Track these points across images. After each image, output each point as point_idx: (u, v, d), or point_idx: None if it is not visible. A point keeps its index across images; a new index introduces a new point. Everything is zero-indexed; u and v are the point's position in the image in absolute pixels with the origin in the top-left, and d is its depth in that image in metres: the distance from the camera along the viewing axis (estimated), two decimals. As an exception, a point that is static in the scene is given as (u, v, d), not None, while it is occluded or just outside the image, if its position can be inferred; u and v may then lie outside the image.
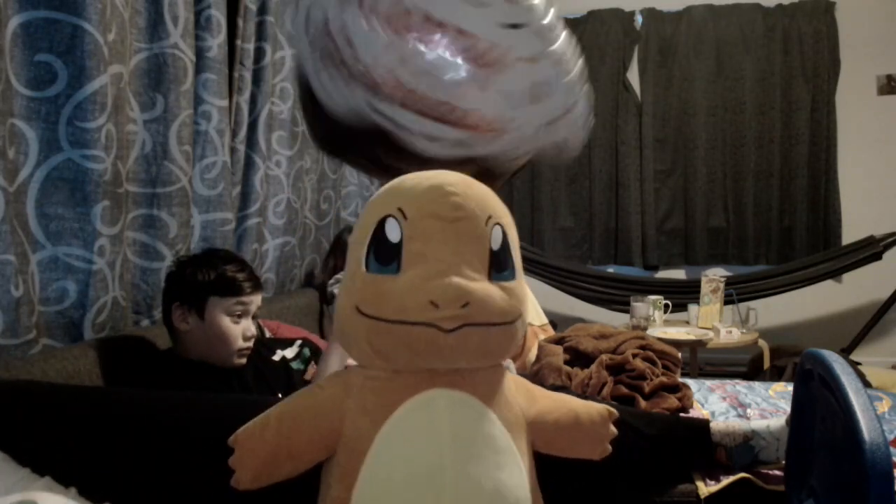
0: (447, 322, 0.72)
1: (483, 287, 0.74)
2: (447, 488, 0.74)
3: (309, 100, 1.14)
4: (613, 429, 0.89)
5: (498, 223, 0.78)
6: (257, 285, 1.39)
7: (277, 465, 0.79)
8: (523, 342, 2.00)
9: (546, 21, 1.08)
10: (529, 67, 1.07)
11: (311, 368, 1.50)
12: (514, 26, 1.05)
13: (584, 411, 0.88)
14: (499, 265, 0.77)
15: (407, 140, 1.05)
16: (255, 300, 1.38)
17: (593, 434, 0.88)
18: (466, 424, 0.77)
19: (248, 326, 1.35)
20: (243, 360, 1.36)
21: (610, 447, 0.90)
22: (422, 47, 1.01)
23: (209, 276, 1.33)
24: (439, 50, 1.01)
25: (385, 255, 0.75)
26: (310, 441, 0.79)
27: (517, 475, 0.79)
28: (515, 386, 0.87)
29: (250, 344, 1.37)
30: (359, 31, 1.01)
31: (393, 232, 0.75)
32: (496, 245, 0.77)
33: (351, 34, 1.01)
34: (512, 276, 0.78)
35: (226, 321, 1.32)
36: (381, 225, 0.76)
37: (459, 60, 1.02)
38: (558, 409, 0.87)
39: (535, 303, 2.12)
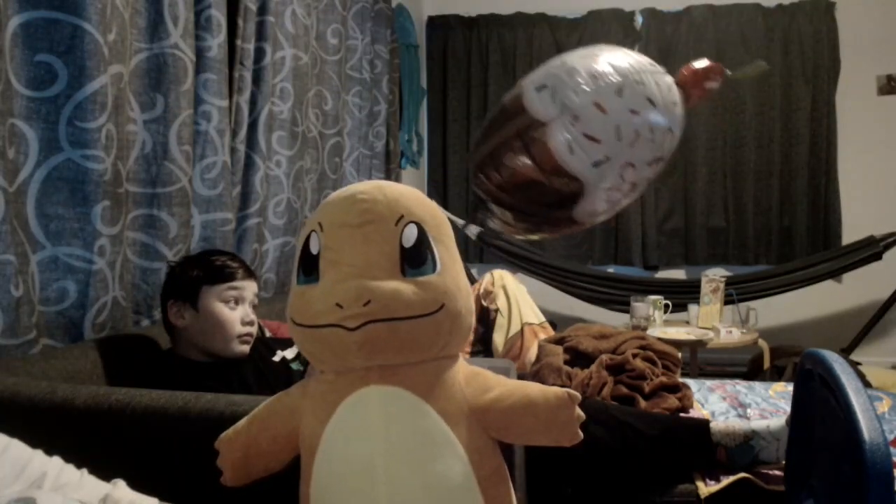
0: (349, 321, 0.77)
1: (389, 285, 0.79)
2: (380, 482, 0.78)
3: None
4: (580, 413, 0.86)
5: (412, 222, 0.82)
6: (249, 273, 1.41)
7: (251, 465, 0.88)
8: (521, 343, 2.00)
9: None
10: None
11: (311, 369, 1.50)
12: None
13: (539, 396, 0.86)
14: (413, 261, 0.81)
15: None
16: (248, 286, 1.39)
17: (552, 418, 0.85)
18: (399, 419, 0.81)
19: (245, 312, 1.36)
20: (245, 348, 1.37)
21: (580, 433, 0.86)
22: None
23: (199, 268, 1.36)
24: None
25: (308, 267, 0.82)
26: (273, 442, 0.87)
27: (455, 465, 0.81)
28: (466, 377, 0.87)
29: (250, 329, 1.37)
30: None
31: (314, 245, 0.82)
32: (408, 243, 0.81)
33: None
34: (431, 270, 0.82)
35: (220, 307, 1.33)
36: (307, 240, 0.83)
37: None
38: (511, 396, 0.86)
39: (530, 302, 2.13)
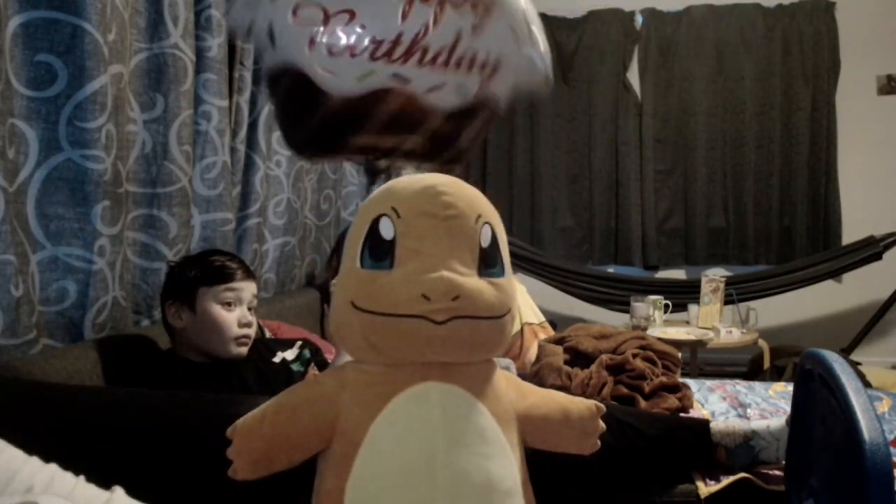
0: (438, 314, 0.75)
1: (473, 282, 0.78)
2: (440, 478, 0.76)
3: (296, 102, 1.14)
4: (602, 423, 0.90)
5: (487, 222, 0.82)
6: (247, 273, 1.40)
7: (274, 456, 0.81)
8: (521, 343, 2.00)
9: None
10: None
11: (311, 370, 1.50)
12: None
13: (572, 406, 0.90)
14: (488, 262, 0.81)
15: (420, 99, 1.07)
16: (247, 287, 1.38)
17: (581, 429, 0.90)
18: (458, 416, 0.80)
19: (243, 314, 1.35)
20: (243, 350, 1.36)
21: (599, 442, 0.91)
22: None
23: (196, 269, 1.35)
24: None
25: (379, 251, 0.79)
26: (306, 432, 0.82)
27: (507, 466, 0.81)
28: (506, 382, 0.89)
29: (247, 332, 1.36)
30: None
31: (386, 230, 0.79)
32: (486, 242, 0.81)
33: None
34: (501, 273, 0.82)
35: (217, 309, 1.33)
36: (374, 224, 0.80)
37: (466, 13, 1.05)
38: (547, 405, 0.89)
39: (530, 302, 2.13)
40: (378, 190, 0.85)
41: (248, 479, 0.81)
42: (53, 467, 0.84)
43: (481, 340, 0.80)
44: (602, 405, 0.90)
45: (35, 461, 0.83)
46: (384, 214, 0.79)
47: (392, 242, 0.78)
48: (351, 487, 0.78)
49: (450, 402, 0.80)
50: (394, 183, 0.84)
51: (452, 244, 0.78)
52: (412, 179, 0.83)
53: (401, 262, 0.78)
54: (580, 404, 0.90)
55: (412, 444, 0.78)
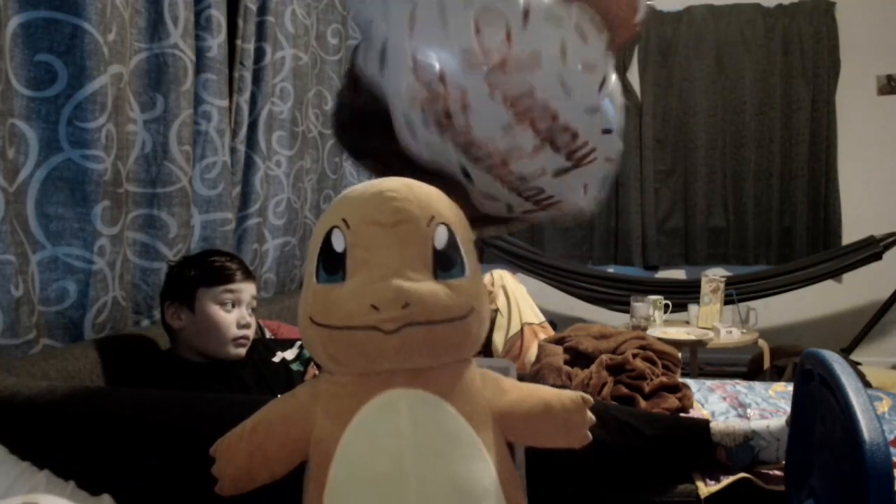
0: (388, 323, 0.74)
1: (425, 286, 0.76)
2: (410, 486, 0.76)
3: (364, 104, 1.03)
4: (591, 415, 0.88)
5: (442, 223, 0.80)
6: (247, 274, 1.40)
7: (254, 472, 0.83)
8: (521, 343, 2.00)
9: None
10: (606, 164, 1.05)
11: (311, 369, 1.50)
12: (607, 132, 1.03)
13: (555, 399, 0.88)
14: (445, 264, 0.79)
15: (468, 191, 1.02)
16: (246, 288, 1.38)
17: (567, 422, 0.87)
18: (427, 421, 0.79)
19: (241, 315, 1.35)
20: (241, 351, 1.36)
21: (590, 435, 0.88)
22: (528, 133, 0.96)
23: (196, 269, 1.35)
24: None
25: (331, 265, 0.78)
26: (281, 448, 0.83)
27: (482, 467, 0.80)
28: (483, 380, 0.87)
29: (246, 332, 1.36)
30: (480, 100, 0.94)
31: (338, 242, 0.78)
32: (441, 244, 0.79)
33: (470, 100, 0.94)
34: (461, 274, 0.80)
35: (216, 309, 1.33)
36: (328, 237, 0.79)
37: (560, 156, 0.99)
38: (528, 400, 0.87)
39: (530, 302, 2.13)
40: (333, 201, 0.84)
41: (233, 494, 0.82)
42: (45, 474, 0.84)
43: (439, 345, 0.78)
44: (588, 396, 0.87)
45: (28, 470, 0.83)
46: (335, 227, 0.78)
47: (343, 255, 0.77)
48: (327, 499, 0.78)
49: (418, 407, 0.79)
50: (347, 192, 0.83)
51: (402, 250, 0.77)
52: (363, 187, 0.82)
53: (352, 274, 0.77)
54: (563, 396, 0.87)
55: (380, 454, 0.78)
